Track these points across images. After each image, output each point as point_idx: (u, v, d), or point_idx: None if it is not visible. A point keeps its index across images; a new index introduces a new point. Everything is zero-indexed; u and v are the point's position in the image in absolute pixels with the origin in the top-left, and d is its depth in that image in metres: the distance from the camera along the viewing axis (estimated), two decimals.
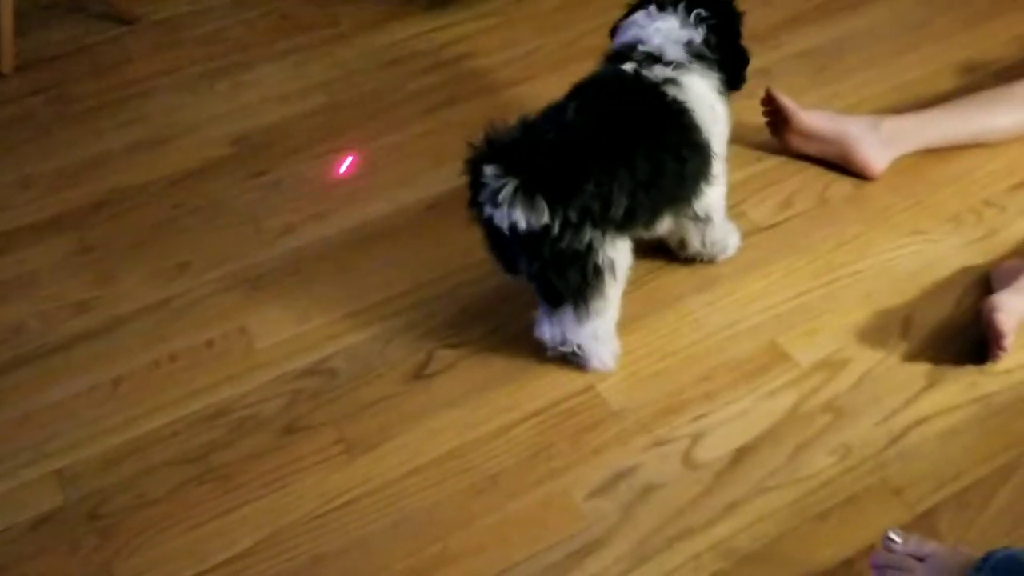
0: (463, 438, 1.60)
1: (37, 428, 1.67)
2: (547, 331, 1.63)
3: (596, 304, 1.56)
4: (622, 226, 1.53)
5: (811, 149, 1.99)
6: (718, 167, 1.67)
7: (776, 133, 2.01)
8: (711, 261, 1.81)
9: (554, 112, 1.56)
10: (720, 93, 1.67)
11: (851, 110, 2.09)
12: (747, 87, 1.75)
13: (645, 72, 1.60)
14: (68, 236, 2.01)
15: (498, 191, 1.44)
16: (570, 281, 1.53)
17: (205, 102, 2.33)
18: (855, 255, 1.82)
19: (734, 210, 1.87)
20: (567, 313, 1.58)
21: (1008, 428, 1.55)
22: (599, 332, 1.61)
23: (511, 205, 1.43)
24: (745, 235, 1.85)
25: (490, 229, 1.51)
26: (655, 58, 1.62)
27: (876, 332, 1.69)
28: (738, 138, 1.96)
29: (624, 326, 1.66)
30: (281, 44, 2.49)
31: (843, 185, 1.96)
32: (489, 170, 1.45)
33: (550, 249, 1.48)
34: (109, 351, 1.78)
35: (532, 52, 2.40)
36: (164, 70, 2.44)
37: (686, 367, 1.67)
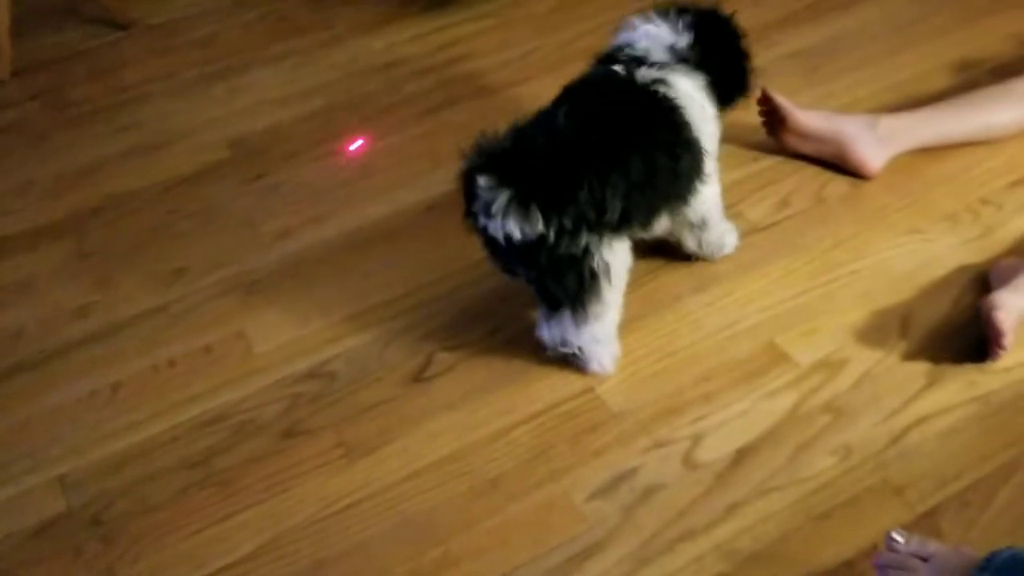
0: (463, 441, 1.60)
1: (38, 434, 1.67)
2: (547, 333, 1.63)
3: (594, 308, 1.56)
4: (618, 228, 1.53)
5: (807, 149, 1.99)
6: (711, 165, 1.67)
7: (772, 133, 2.01)
8: (710, 259, 1.81)
9: (544, 117, 1.56)
10: (707, 93, 1.67)
11: (846, 109, 2.09)
12: None
13: (633, 73, 1.60)
14: (66, 241, 2.01)
15: (492, 202, 1.44)
16: (567, 286, 1.53)
17: (201, 106, 2.33)
18: (852, 254, 1.82)
19: (731, 210, 1.87)
20: (565, 316, 1.58)
21: (1008, 426, 1.55)
22: (599, 335, 1.61)
23: (505, 216, 1.43)
24: (743, 235, 1.85)
25: (487, 238, 1.51)
26: (640, 60, 1.63)
27: (875, 332, 1.69)
28: (734, 138, 1.97)
29: (623, 327, 1.66)
30: (277, 47, 2.49)
31: (840, 184, 1.96)
32: (483, 181, 1.45)
33: (546, 256, 1.48)
34: (108, 356, 1.78)
35: (529, 53, 2.40)
36: (160, 74, 2.44)
37: (686, 368, 1.67)
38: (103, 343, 1.80)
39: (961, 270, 1.77)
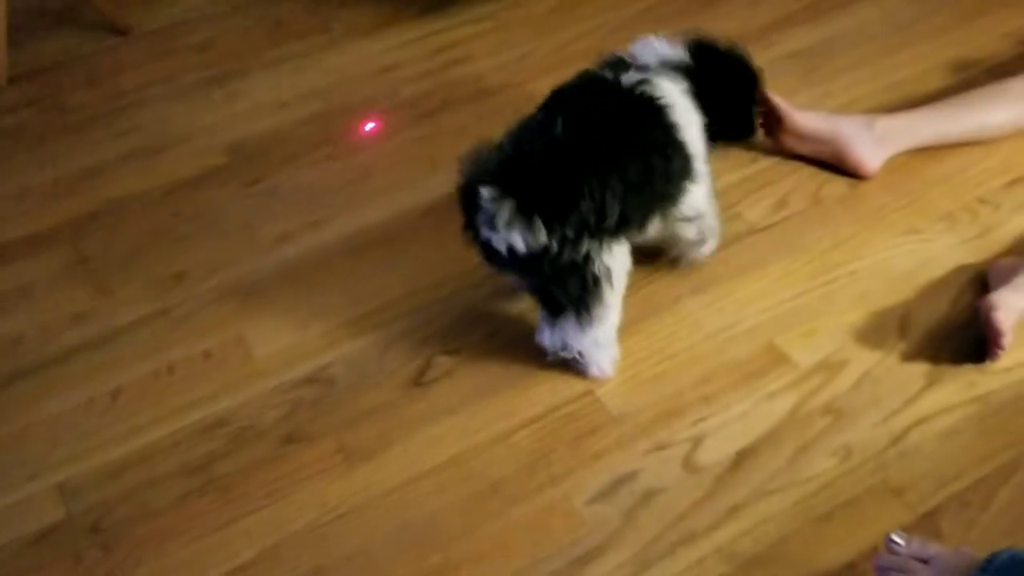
0: (463, 445, 1.60)
1: (37, 440, 1.66)
2: (548, 338, 1.63)
3: (598, 311, 1.56)
4: (617, 232, 1.53)
5: (805, 149, 1.99)
6: (700, 165, 1.67)
7: (770, 134, 2.01)
8: (698, 261, 1.80)
9: (538, 124, 1.56)
10: (690, 97, 1.67)
11: (843, 110, 2.09)
12: None
13: (619, 76, 1.61)
14: (64, 247, 2.01)
15: (495, 214, 1.44)
16: (571, 292, 1.53)
17: (199, 110, 2.33)
18: (850, 255, 1.83)
19: (729, 211, 1.88)
20: (569, 320, 1.58)
21: (1008, 426, 1.55)
22: (600, 338, 1.61)
23: (509, 228, 1.43)
24: (741, 236, 1.85)
25: (487, 250, 1.51)
26: (626, 64, 1.64)
27: (874, 332, 1.69)
28: None
29: (622, 330, 1.66)
30: (275, 51, 2.49)
31: (837, 185, 1.96)
32: (486, 192, 1.44)
33: (550, 265, 1.48)
34: (107, 362, 1.78)
35: (526, 55, 2.40)
36: (158, 79, 2.44)
37: (685, 370, 1.67)
38: (102, 349, 1.80)
39: (959, 270, 1.78)
